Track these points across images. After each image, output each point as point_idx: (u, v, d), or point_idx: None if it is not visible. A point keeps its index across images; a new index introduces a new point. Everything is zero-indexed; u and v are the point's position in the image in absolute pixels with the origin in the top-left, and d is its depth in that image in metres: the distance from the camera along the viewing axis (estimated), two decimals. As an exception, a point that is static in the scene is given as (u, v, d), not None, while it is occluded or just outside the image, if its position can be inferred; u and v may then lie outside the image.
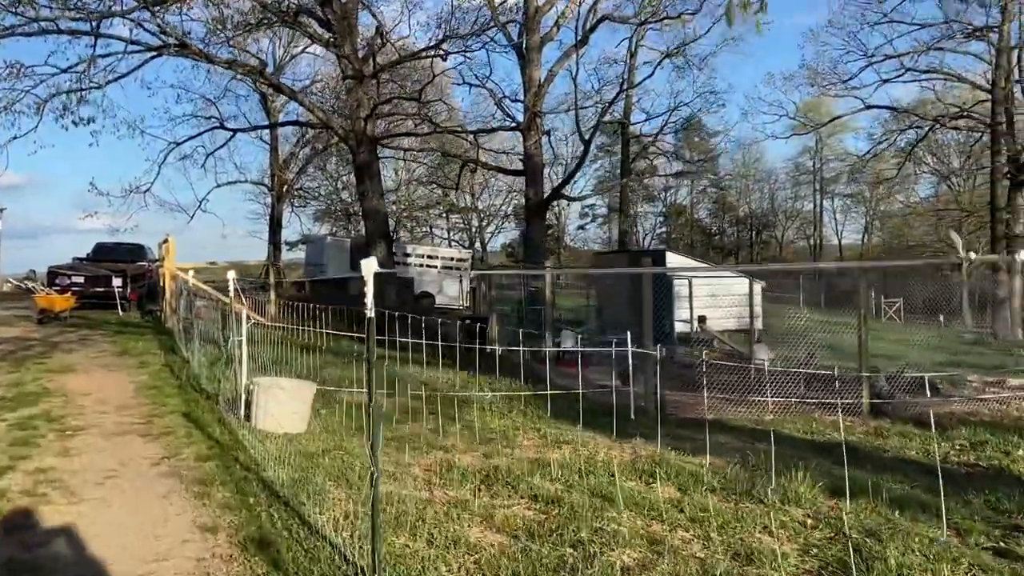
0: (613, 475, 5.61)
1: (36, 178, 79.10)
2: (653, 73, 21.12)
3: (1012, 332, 23.27)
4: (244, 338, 7.19)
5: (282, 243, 39.58)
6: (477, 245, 61.88)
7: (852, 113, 31.54)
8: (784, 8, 71.74)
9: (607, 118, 20.05)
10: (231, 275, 7.35)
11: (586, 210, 74.65)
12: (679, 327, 15.09)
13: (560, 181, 20.91)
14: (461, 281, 29.40)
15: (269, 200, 40.03)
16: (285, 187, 36.77)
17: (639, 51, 23.85)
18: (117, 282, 19.81)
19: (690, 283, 14.33)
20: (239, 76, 17.96)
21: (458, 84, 22.03)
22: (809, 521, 4.79)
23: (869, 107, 30.58)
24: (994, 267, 23.50)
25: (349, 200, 52.61)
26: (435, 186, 40.34)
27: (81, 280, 19.89)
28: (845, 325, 13.57)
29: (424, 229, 59.11)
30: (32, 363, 11.12)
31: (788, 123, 37.82)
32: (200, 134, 19.92)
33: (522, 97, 20.37)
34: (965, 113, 27.53)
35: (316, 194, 47.77)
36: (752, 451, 7.23)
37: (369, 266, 3.60)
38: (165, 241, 16.23)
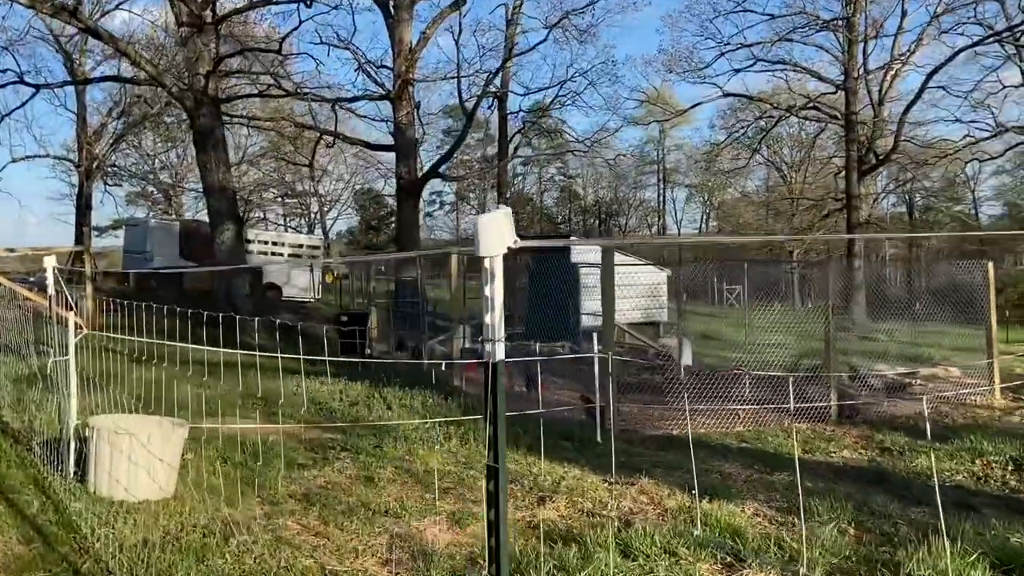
0: (674, 553, 3.83)
1: None
2: (542, 42, 19.36)
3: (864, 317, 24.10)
4: (71, 357, 4.70)
5: (91, 227, 34.43)
6: (318, 232, 58.02)
7: (710, 100, 31.77)
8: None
9: (486, 89, 18.22)
10: (50, 264, 4.81)
11: (433, 196, 72.70)
12: (585, 320, 13.61)
13: (437, 159, 18.84)
14: (312, 271, 26.54)
15: (76, 178, 34.69)
16: (96, 163, 31.81)
17: (519, 18, 22.14)
18: None
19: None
20: (42, 14, 14.29)
21: (315, 44, 19.22)
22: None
23: (727, 95, 30.98)
24: (849, 251, 24.24)
25: (169, 181, 47.38)
26: (282, 163, 36.45)
27: None
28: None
29: (256, 214, 54.53)
30: None
31: (647, 109, 37.97)
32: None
33: (390, 63, 18.09)
34: (813, 104, 28.31)
35: (130, 172, 42.38)
36: (767, 481, 5.76)
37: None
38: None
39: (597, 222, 71.52)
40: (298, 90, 15.14)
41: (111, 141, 32.71)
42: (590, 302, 13.79)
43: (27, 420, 6.08)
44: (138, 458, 4.28)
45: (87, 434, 4.47)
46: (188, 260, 24.64)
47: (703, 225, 65.63)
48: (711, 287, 29.50)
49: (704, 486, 5.22)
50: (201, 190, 47.76)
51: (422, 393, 8.59)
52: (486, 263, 1.88)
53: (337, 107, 18.89)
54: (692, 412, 7.70)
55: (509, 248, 1.87)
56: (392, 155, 18.77)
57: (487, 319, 1.93)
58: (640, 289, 13.69)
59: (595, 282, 13.73)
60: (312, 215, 62.33)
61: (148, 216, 34.35)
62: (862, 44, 25.95)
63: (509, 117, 22.79)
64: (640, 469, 5.77)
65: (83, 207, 32.03)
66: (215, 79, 14.39)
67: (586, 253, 13.63)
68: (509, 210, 1.92)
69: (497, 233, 1.81)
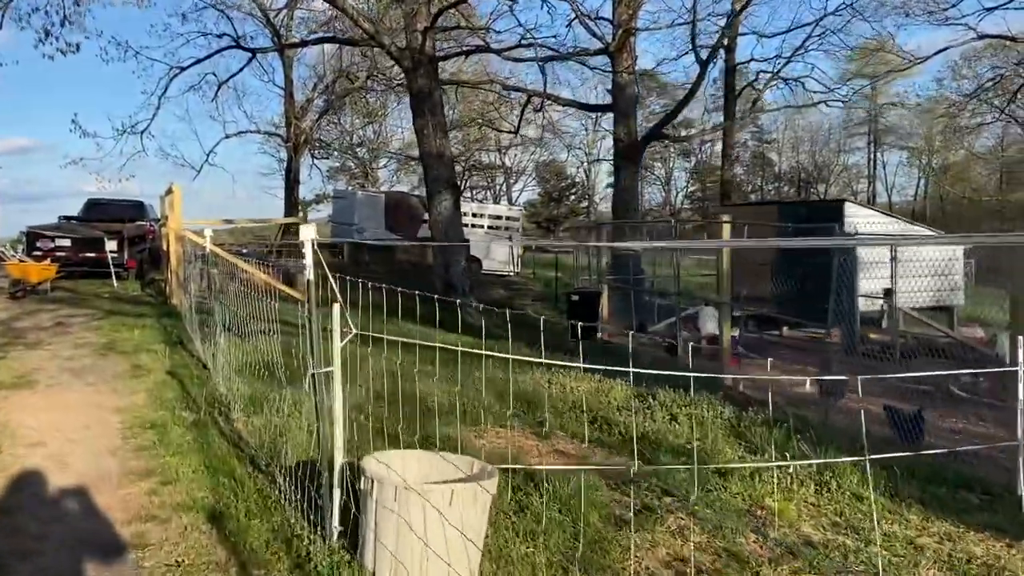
0: None
1: (43, 143, 74.95)
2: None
3: None
4: (336, 369, 3.38)
5: (299, 201, 35.63)
6: (503, 203, 57.71)
7: (958, 44, 27.03)
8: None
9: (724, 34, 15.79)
10: (309, 235, 3.49)
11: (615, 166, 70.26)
12: (862, 304, 11.22)
13: (664, 115, 16.79)
14: (512, 243, 25.51)
15: (284, 153, 36.05)
16: (303, 137, 32.64)
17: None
18: (111, 246, 15.97)
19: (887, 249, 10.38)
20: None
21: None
22: None
23: (981, 36, 26.26)
24: None
25: (365, 157, 48.69)
26: (469, 133, 35.69)
27: (67, 243, 16.08)
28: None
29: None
30: (-29, 369, 7.39)
31: (861, 61, 33.40)
32: (211, 56, 15.86)
33: (607, 14, 16.23)
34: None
35: (332, 147, 43.78)
36: None
37: None
38: (168, 192, 12.34)
39: (793, 190, 66.14)
40: (526, 38, 13.58)
41: (316, 117, 33.45)
42: (868, 282, 11.37)
43: (267, 435, 4.97)
44: (430, 532, 2.83)
45: (363, 485, 3.10)
46: (392, 232, 24.43)
47: (921, 190, 58.50)
48: None
49: None
50: (397, 162, 48.78)
51: (705, 399, 6.81)
52: None
53: (544, 66, 17.33)
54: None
55: None
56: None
57: None
58: (927, 266, 11.07)
59: (876, 257, 11.30)
60: (497, 187, 62.31)
61: (354, 188, 34.95)
62: None
63: (737, 69, 20.22)
64: None
65: (291, 181, 33.06)
66: (432, 36, 13.24)
67: (864, 221, 11.17)
68: None
69: None
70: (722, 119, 26.44)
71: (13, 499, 4.15)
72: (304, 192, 42.27)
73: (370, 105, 42.28)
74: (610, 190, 68.27)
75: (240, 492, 4.08)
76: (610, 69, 16.09)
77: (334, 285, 3.49)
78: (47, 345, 8.85)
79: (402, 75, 32.30)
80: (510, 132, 23.42)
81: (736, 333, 11.40)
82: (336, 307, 3.38)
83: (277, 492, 4.03)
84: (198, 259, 10.20)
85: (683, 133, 26.49)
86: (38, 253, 15.50)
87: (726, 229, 8.89)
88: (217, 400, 6.19)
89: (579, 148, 63.98)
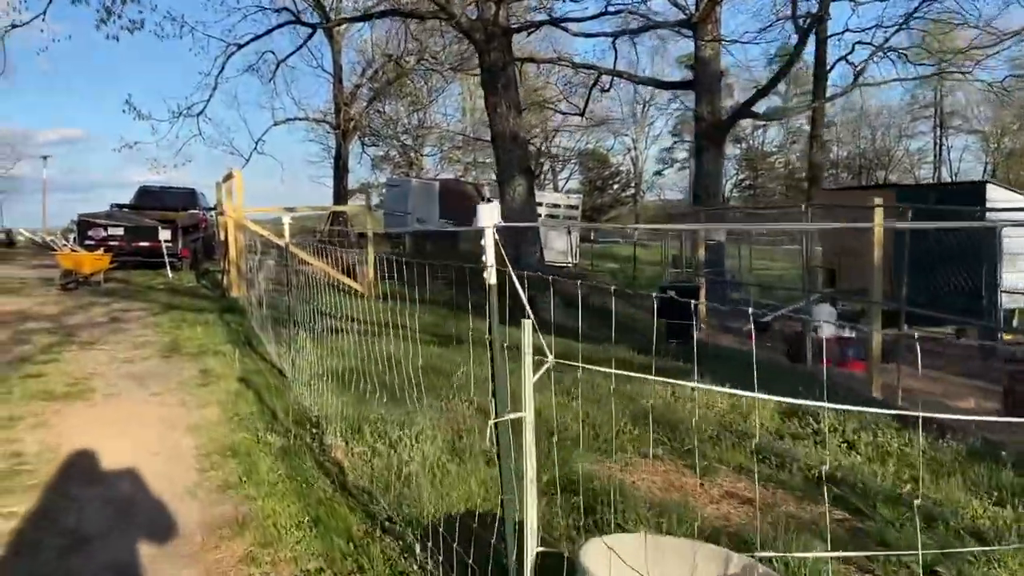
0: None
1: (94, 132, 75.73)
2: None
3: None
4: (528, 415, 2.32)
5: (347, 189, 34.89)
6: (549, 190, 56.52)
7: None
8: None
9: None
10: (490, 218, 2.42)
11: (663, 153, 68.72)
12: (1006, 300, 9.86)
13: (754, 92, 15.44)
14: (569, 233, 24.38)
15: (333, 141, 35.27)
16: (352, 124, 31.82)
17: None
18: (165, 235, 15.24)
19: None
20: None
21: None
22: None
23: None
24: None
25: (411, 144, 47.92)
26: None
27: (120, 232, 15.39)
28: None
29: (488, 175, 54.00)
30: (20, 372, 6.52)
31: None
32: (270, 31, 14.93)
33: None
34: None
35: (380, 135, 43.09)
36: None
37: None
38: (228, 177, 11.45)
39: (850, 177, 63.74)
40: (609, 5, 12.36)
41: (366, 103, 32.62)
42: (1012, 275, 10.00)
43: (380, 469, 3.95)
44: None
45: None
46: (446, 220, 23.45)
47: (989, 176, 55.65)
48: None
49: None
50: (444, 149, 47.95)
51: (880, 421, 5.60)
52: None
53: (615, 42, 16.11)
54: None
55: None
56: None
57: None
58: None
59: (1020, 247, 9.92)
60: (543, 174, 61.01)
61: (406, 176, 34.08)
62: None
63: (829, 42, 18.70)
64: None
65: (341, 168, 32.34)
66: (506, 6, 12.13)
67: (1010, 205, 9.78)
68: None
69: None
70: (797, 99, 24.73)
71: (66, 569, 3.18)
72: (352, 181, 41.72)
73: (417, 90, 41.52)
74: (657, 178, 66.56)
75: (366, 562, 3.05)
76: (690, 36, 14.75)
77: (521, 293, 2.42)
78: (103, 345, 8.00)
79: (453, 57, 31.40)
80: (575, 114, 22.17)
81: (851, 333, 10.14)
82: (526, 325, 2.31)
83: (417, 568, 2.99)
84: (267, 250, 9.30)
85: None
86: (90, 242, 14.85)
87: (878, 213, 7.62)
88: (305, 418, 5.21)
89: (625, 135, 62.50)
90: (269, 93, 44.88)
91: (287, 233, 5.99)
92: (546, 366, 2.31)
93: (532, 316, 2.36)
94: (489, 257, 2.38)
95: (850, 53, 17.88)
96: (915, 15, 14.77)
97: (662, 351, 9.67)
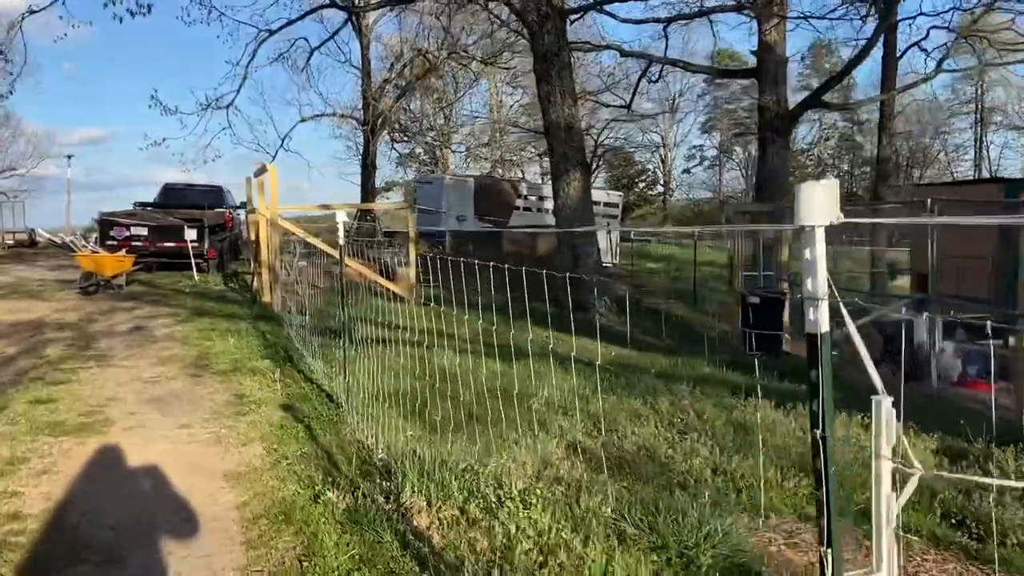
0: None
1: (118, 132, 75.71)
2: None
3: None
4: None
5: (374, 187, 33.99)
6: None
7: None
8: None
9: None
10: (821, 204, 1.36)
11: (692, 151, 67.46)
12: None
13: (825, 79, 14.20)
14: (609, 233, 23.30)
15: (360, 137, 34.34)
16: (380, 119, 30.86)
17: None
18: (191, 235, 14.35)
19: None
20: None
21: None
22: None
23: None
24: None
25: (436, 142, 47.06)
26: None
27: (143, 232, 14.51)
28: None
29: (514, 172, 52.95)
30: (29, 395, 5.58)
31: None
32: (303, 16, 13.98)
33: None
34: None
35: (410, 133, 42.18)
36: None
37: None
38: (261, 171, 10.51)
39: (902, 174, 61.99)
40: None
41: (395, 99, 31.67)
42: None
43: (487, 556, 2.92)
44: None
45: None
46: (481, 218, 22.44)
47: (1024, 172, 53.76)
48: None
49: None
50: (471, 147, 47.03)
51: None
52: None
53: (667, 28, 15.00)
54: None
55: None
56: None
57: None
58: None
59: None
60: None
61: (440, 173, 33.16)
62: None
63: (900, 26, 17.34)
64: None
65: (368, 166, 31.45)
66: (561, -15, 11.10)
67: None
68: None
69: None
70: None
71: None
72: (378, 179, 40.89)
73: (444, 87, 40.73)
74: (686, 176, 65.36)
75: None
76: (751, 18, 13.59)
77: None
78: (123, 360, 7.05)
79: (484, 52, 30.37)
80: (621, 107, 21.05)
81: (951, 346, 9.00)
82: (884, 409, 1.26)
83: None
84: (304, 251, 8.33)
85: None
86: (112, 243, 13.99)
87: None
88: (370, 462, 4.20)
89: (654, 131, 61.36)
90: (295, 90, 44.29)
91: (342, 233, 4.98)
92: (912, 482, 1.26)
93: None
94: (818, 282, 1.32)
95: (924, 39, 16.60)
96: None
97: (745, 365, 8.57)
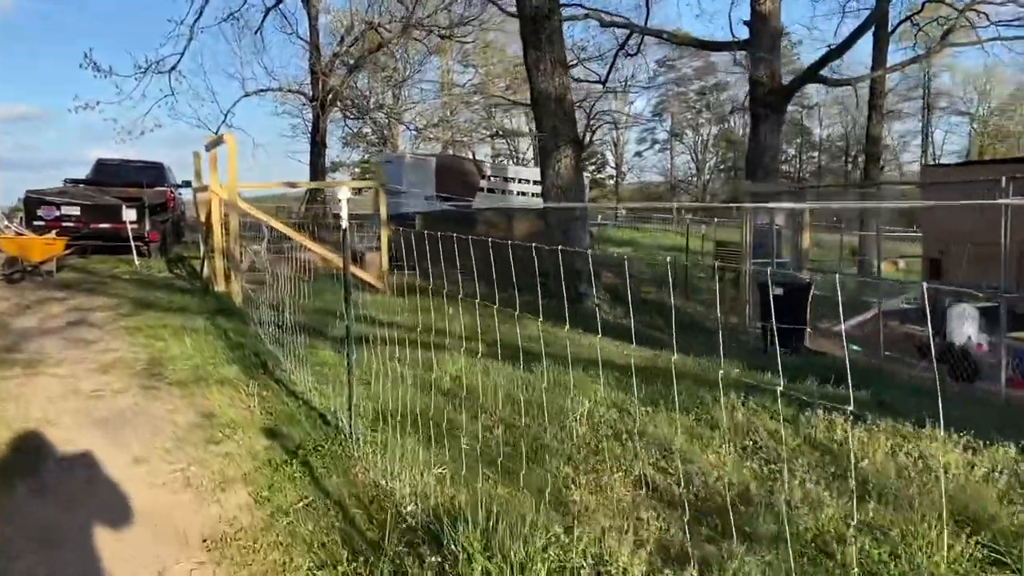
0: None
1: (48, 111, 71.39)
2: None
3: None
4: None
5: (324, 166, 32.32)
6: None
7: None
8: None
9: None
10: None
11: (644, 134, 67.20)
12: None
13: (825, 52, 13.44)
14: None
15: (309, 115, 32.57)
16: (331, 94, 29.22)
17: None
18: (130, 215, 12.85)
19: None
20: None
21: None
22: None
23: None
24: None
25: (385, 122, 45.42)
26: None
27: (76, 212, 12.94)
28: None
29: (466, 153, 51.64)
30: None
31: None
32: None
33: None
34: None
35: (362, 110, 40.46)
36: None
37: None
38: (215, 143, 9.18)
39: (834, 162, 63.04)
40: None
41: (347, 72, 30.06)
42: None
43: None
44: None
45: None
46: (443, 200, 21.29)
47: (971, 154, 55.12)
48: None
49: None
50: (420, 127, 45.48)
51: None
52: None
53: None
54: None
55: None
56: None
57: None
58: None
59: None
60: (520, 156, 58.68)
61: (401, 152, 31.76)
62: None
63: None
64: None
65: (318, 144, 29.84)
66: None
67: None
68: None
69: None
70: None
71: None
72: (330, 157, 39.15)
73: (395, 64, 39.23)
74: (638, 159, 65.08)
75: None
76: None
77: None
78: (57, 365, 5.78)
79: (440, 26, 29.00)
80: (596, 82, 20.06)
81: (984, 339, 8.33)
82: None
83: None
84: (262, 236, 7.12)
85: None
86: (40, 224, 12.42)
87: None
88: (404, 522, 3.14)
89: (606, 115, 60.75)
90: (237, 63, 41.99)
91: (345, 213, 3.86)
92: None
93: None
94: None
95: (918, 12, 16.00)
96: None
97: (764, 363, 7.71)
